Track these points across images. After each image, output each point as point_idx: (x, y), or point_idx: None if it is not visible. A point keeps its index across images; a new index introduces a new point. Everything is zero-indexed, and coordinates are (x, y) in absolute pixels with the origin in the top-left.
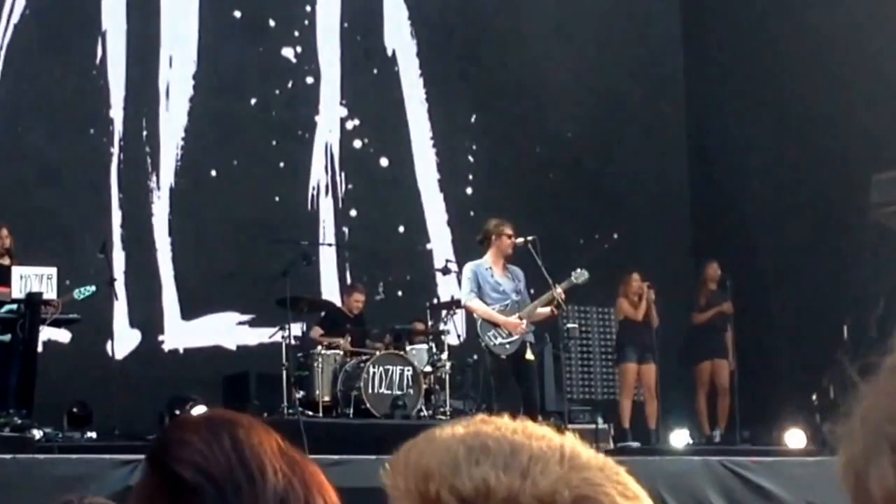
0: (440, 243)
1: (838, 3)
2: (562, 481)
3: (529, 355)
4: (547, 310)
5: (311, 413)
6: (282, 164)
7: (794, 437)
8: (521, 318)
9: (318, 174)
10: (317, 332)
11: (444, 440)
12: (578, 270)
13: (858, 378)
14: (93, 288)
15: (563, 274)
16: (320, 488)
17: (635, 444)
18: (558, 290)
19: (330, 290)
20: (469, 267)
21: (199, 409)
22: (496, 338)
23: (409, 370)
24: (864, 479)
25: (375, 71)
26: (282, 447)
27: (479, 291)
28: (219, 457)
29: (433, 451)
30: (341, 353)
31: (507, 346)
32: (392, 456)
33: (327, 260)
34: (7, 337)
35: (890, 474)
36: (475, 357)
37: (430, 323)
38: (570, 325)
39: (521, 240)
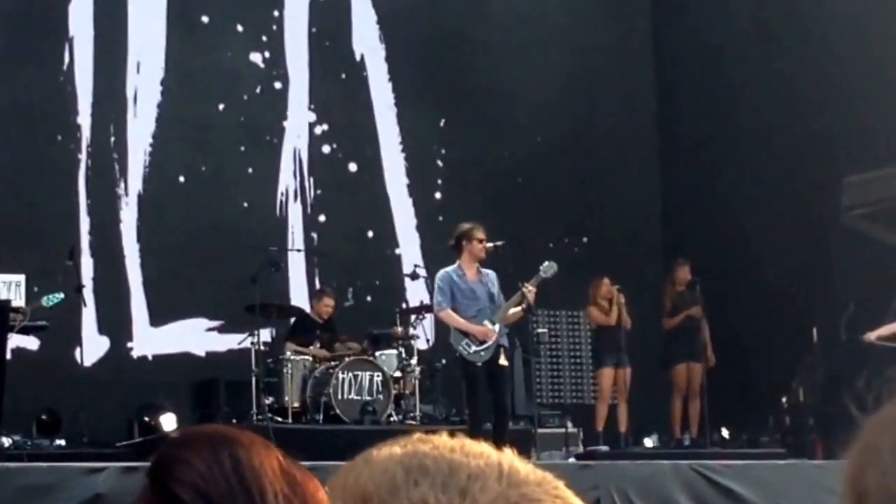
0: (409, 248)
1: (808, 8)
2: (501, 498)
3: (503, 360)
4: (518, 310)
5: (280, 419)
6: (250, 170)
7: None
8: (493, 322)
9: (286, 180)
10: (290, 346)
11: (381, 461)
12: (546, 263)
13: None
14: (61, 295)
15: (528, 278)
16: None
17: (604, 448)
18: (528, 288)
19: (299, 295)
20: (441, 275)
21: (167, 417)
22: (470, 346)
23: (378, 375)
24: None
25: (344, 76)
26: (283, 466)
27: (452, 299)
28: (219, 479)
29: (371, 472)
30: (311, 358)
31: (482, 353)
32: (331, 478)
33: (296, 266)
34: None
35: None
36: (444, 362)
37: (400, 328)
38: (540, 330)
39: (490, 245)
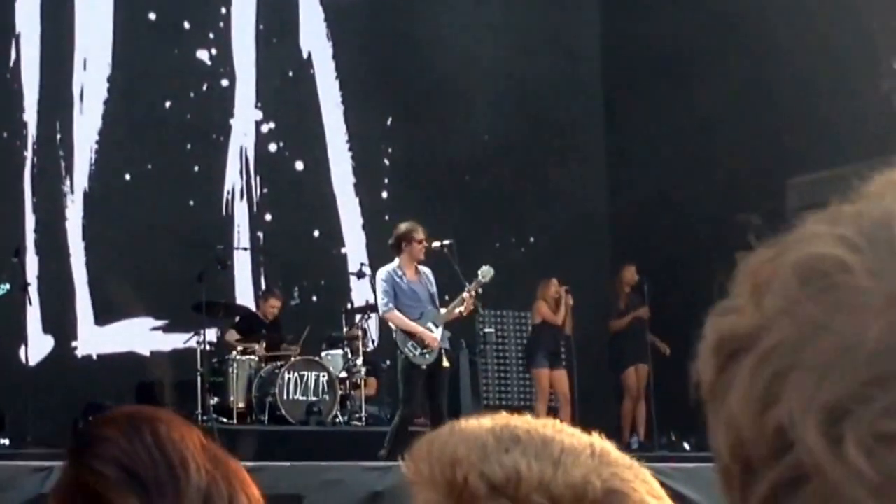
0: (355, 247)
1: (751, 9)
2: (593, 473)
3: (445, 363)
4: (458, 311)
5: (225, 419)
6: (196, 168)
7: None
8: (436, 325)
9: (232, 178)
10: (232, 335)
11: (471, 430)
12: (484, 268)
13: None
14: (7, 286)
15: (474, 278)
16: (243, 484)
17: None
18: (470, 293)
19: (244, 295)
20: (382, 274)
21: None
22: (416, 349)
23: (324, 376)
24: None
25: (291, 74)
26: (203, 443)
27: (396, 300)
28: (141, 453)
29: (460, 439)
30: (256, 358)
31: (428, 355)
32: (413, 446)
33: (242, 265)
34: None
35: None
36: (388, 362)
37: (345, 328)
38: (486, 330)
39: (437, 244)
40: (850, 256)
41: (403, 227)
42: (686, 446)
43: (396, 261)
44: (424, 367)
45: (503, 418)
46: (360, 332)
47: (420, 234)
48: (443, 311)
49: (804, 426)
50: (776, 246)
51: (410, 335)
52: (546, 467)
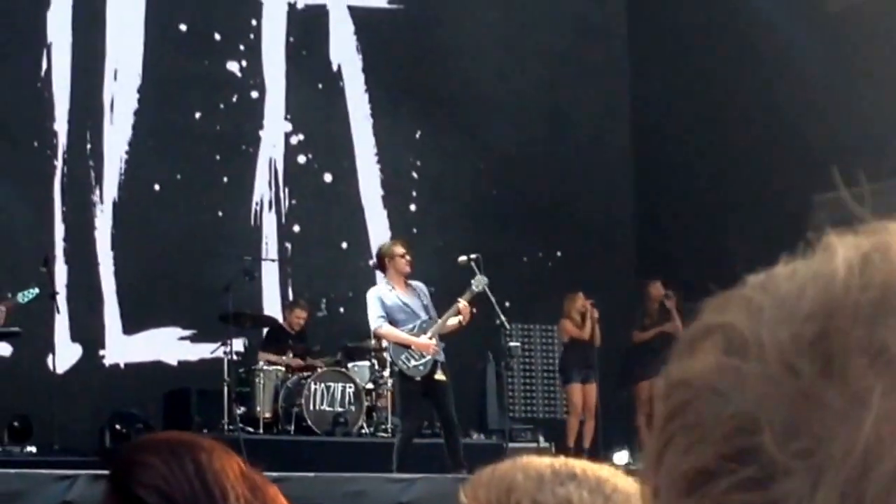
0: None
1: (778, 30)
2: None
3: (440, 375)
4: (455, 321)
5: (251, 429)
6: (225, 179)
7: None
8: (430, 336)
9: (261, 189)
10: (263, 357)
11: (532, 463)
12: (478, 277)
13: None
14: (36, 290)
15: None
16: None
17: None
18: (463, 303)
19: (272, 305)
20: (372, 293)
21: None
22: (410, 360)
23: (351, 387)
24: None
25: (321, 86)
26: (244, 471)
27: (387, 315)
28: (181, 481)
29: (520, 469)
30: (283, 369)
31: (421, 367)
32: (473, 474)
33: (269, 275)
34: None
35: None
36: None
37: (372, 340)
38: (512, 344)
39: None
40: (747, 326)
41: (384, 245)
42: None
43: (384, 279)
44: (419, 378)
45: (562, 458)
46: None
47: (401, 249)
48: (437, 321)
49: (668, 492)
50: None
51: (405, 346)
52: (597, 499)
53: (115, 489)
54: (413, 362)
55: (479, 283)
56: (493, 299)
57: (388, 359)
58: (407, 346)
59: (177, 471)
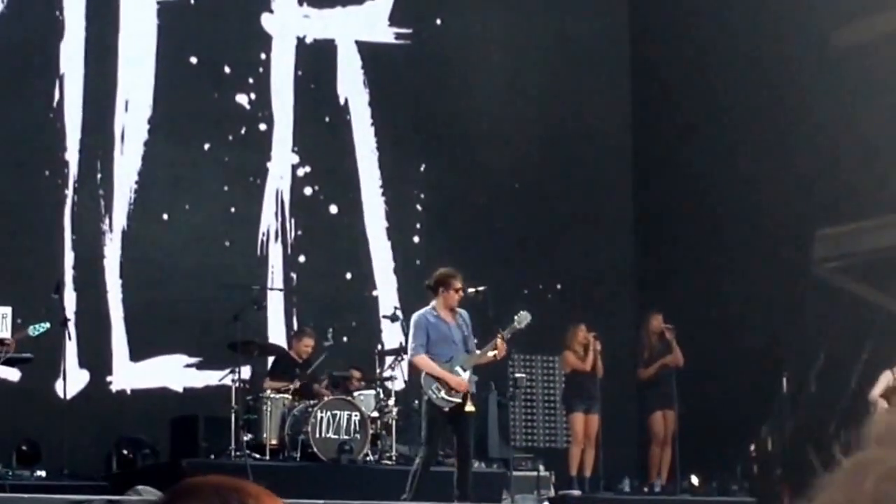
0: (386, 290)
1: (778, 63)
2: None
3: (470, 407)
4: (491, 355)
5: (258, 456)
6: (233, 209)
7: None
8: (464, 369)
9: (268, 220)
10: (269, 385)
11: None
12: (521, 313)
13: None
14: (47, 324)
15: (503, 323)
16: None
17: (577, 493)
18: (502, 338)
19: (277, 334)
20: (416, 319)
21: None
22: (440, 391)
23: (356, 415)
24: None
25: (328, 119)
26: None
27: (428, 343)
28: None
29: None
30: (290, 397)
31: (451, 399)
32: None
33: (275, 305)
34: None
35: None
36: (417, 402)
37: (377, 369)
38: (518, 375)
39: (472, 290)
40: None
41: (444, 271)
42: (703, 489)
43: (433, 303)
44: (447, 409)
45: None
46: (357, 373)
47: (458, 283)
48: (475, 354)
49: None
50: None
51: (437, 379)
52: None
53: None
54: (443, 393)
55: (523, 319)
56: (500, 329)
57: (423, 385)
58: (439, 379)
59: None
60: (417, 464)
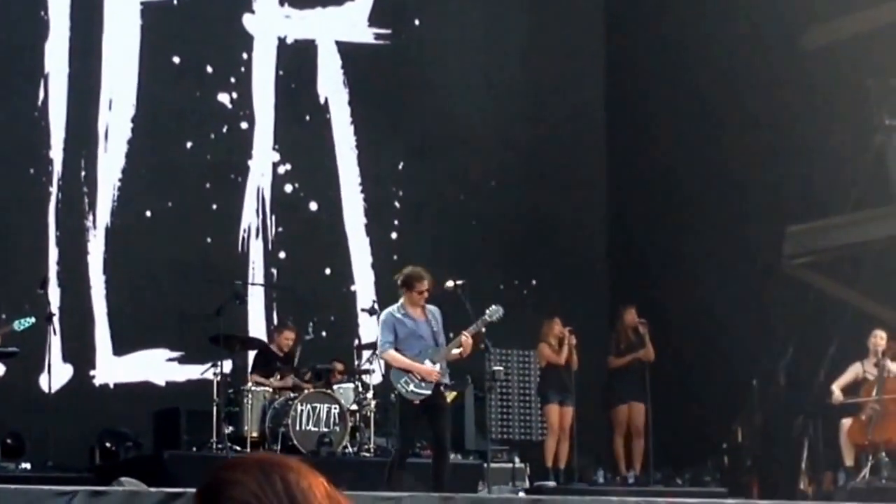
0: (364, 285)
1: (751, 59)
2: None
3: (441, 398)
4: (456, 352)
5: (239, 448)
6: (215, 206)
7: None
8: (433, 362)
9: (249, 217)
10: (253, 379)
11: None
12: (493, 307)
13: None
14: (32, 319)
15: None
16: None
17: (552, 484)
18: (466, 336)
19: (257, 328)
20: (384, 316)
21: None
22: (409, 384)
23: (336, 408)
24: None
25: (308, 118)
26: (328, 491)
27: (396, 339)
28: (272, 498)
29: None
30: (270, 390)
31: (419, 392)
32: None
33: (255, 300)
34: None
35: None
36: (393, 396)
37: (356, 362)
38: (496, 368)
39: (451, 284)
40: None
41: (409, 272)
42: (679, 481)
43: (401, 300)
44: (417, 402)
45: None
46: (339, 366)
47: (423, 286)
48: (444, 348)
49: None
50: None
51: (405, 371)
52: None
53: None
54: (412, 387)
55: (493, 313)
56: (473, 324)
57: (392, 381)
58: (409, 371)
59: (267, 489)
60: (392, 457)
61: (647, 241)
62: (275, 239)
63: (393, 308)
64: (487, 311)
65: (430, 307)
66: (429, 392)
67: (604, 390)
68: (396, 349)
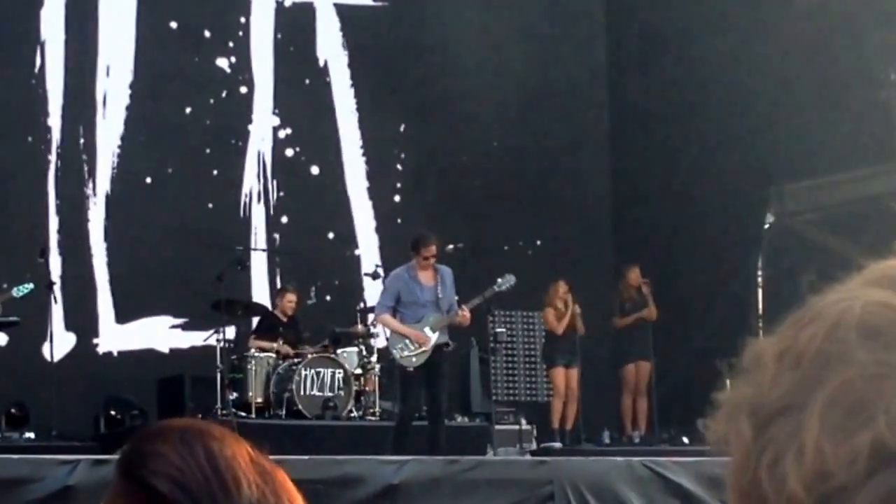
0: (368, 249)
1: (758, 27)
2: None
3: (437, 363)
4: (456, 321)
5: (244, 414)
6: (215, 172)
7: None
8: (434, 330)
9: (250, 182)
10: (254, 344)
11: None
12: (506, 276)
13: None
14: (31, 285)
15: (484, 279)
16: (290, 496)
17: (558, 445)
18: (463, 312)
19: (260, 294)
20: (390, 278)
21: None
22: (403, 350)
23: (340, 372)
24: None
25: (308, 81)
26: (253, 457)
27: (399, 304)
28: (194, 470)
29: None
30: (274, 355)
31: (414, 358)
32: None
33: (258, 265)
34: None
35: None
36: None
37: (361, 326)
38: (498, 330)
39: (450, 247)
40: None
41: (417, 236)
42: (685, 440)
43: (412, 261)
44: (411, 368)
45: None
46: (361, 328)
47: (429, 251)
48: (444, 316)
49: None
50: (788, 325)
51: (402, 336)
52: None
53: (126, 477)
54: (406, 352)
55: (505, 282)
56: (490, 289)
57: (381, 345)
58: (404, 336)
59: (189, 459)
60: (396, 421)
61: (650, 200)
62: (276, 204)
63: (401, 270)
64: (500, 280)
65: (443, 268)
66: (423, 360)
67: (611, 351)
68: (399, 312)
